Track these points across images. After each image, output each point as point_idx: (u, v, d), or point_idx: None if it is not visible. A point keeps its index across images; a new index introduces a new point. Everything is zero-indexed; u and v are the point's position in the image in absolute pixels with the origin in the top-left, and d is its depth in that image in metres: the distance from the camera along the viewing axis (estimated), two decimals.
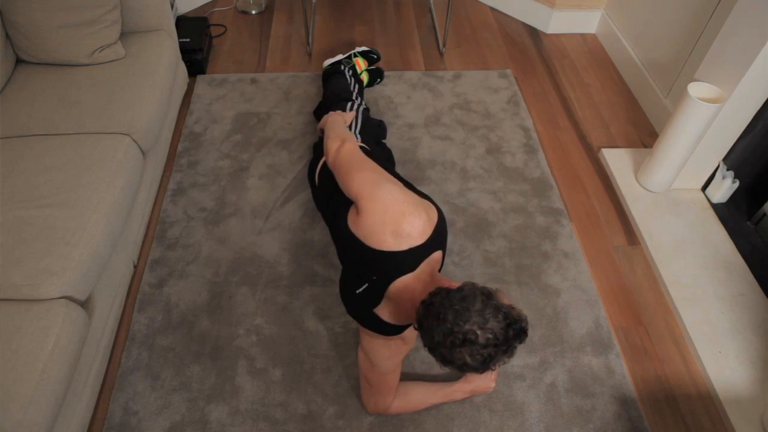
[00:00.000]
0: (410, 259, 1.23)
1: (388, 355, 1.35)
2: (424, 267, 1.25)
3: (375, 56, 2.50)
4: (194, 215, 1.99)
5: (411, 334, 1.37)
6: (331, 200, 1.51)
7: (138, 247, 1.85)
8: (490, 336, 1.01)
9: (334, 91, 2.16)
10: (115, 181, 1.59)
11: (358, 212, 1.28)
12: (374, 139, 1.90)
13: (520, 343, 1.05)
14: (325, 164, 1.62)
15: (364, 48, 2.48)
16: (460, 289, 1.08)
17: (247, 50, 2.75)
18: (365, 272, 1.27)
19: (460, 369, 1.05)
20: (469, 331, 1.01)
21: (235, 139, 2.28)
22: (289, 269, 1.84)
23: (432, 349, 1.07)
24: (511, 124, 2.39)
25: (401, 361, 1.42)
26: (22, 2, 1.79)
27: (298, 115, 2.39)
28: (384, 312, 1.28)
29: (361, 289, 1.28)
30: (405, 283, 1.23)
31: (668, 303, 1.80)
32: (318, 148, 1.77)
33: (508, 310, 1.05)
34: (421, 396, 1.50)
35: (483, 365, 1.03)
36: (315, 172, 1.68)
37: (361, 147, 1.65)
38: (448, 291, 1.08)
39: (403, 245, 1.22)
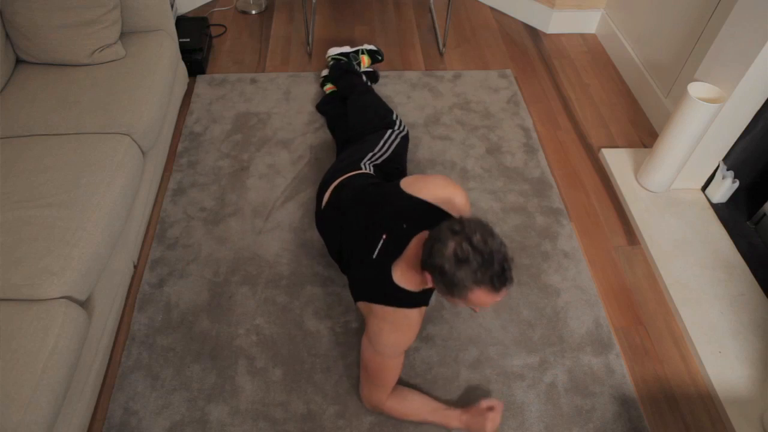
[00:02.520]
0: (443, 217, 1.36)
1: (393, 341, 1.36)
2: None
3: (380, 57, 2.50)
4: (194, 215, 1.99)
5: (418, 318, 1.38)
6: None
7: (138, 247, 1.85)
8: (488, 247, 1.16)
9: (375, 109, 2.08)
10: (115, 181, 1.59)
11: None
12: (388, 175, 1.82)
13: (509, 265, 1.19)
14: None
15: (372, 47, 2.50)
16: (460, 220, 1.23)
17: (247, 50, 2.75)
18: (390, 223, 1.38)
19: (469, 285, 1.16)
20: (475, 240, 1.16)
21: (235, 139, 2.28)
22: (289, 269, 1.84)
23: (441, 269, 1.17)
24: (511, 124, 2.39)
25: (402, 359, 1.42)
26: (22, 2, 1.79)
27: (298, 115, 2.39)
28: (399, 269, 1.34)
29: (378, 248, 1.37)
30: (424, 237, 1.33)
31: (668, 303, 1.80)
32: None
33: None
34: (417, 405, 1.46)
35: (488, 267, 1.15)
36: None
37: (365, 174, 1.68)
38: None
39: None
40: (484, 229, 1.19)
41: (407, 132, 2.00)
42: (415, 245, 1.36)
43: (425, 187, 1.45)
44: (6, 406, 1.12)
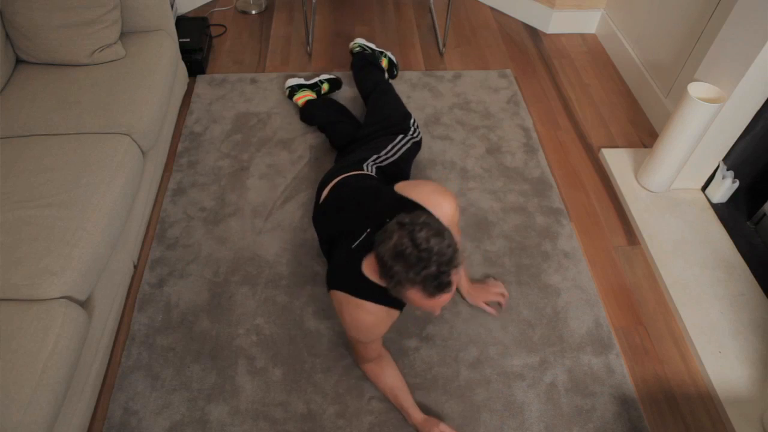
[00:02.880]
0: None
1: (355, 333, 1.39)
2: None
3: (396, 72, 2.53)
4: (194, 215, 1.99)
5: (383, 316, 1.38)
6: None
7: (138, 247, 1.85)
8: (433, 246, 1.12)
9: (392, 111, 2.06)
10: (115, 181, 1.59)
11: None
12: (390, 178, 1.80)
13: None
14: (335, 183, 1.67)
15: (393, 59, 2.51)
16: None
17: (247, 50, 2.75)
18: (376, 218, 1.38)
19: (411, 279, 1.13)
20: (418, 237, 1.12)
21: (235, 139, 2.28)
22: (289, 269, 1.84)
23: (381, 259, 1.16)
24: (511, 124, 2.39)
25: (374, 344, 1.45)
26: (22, 2, 1.79)
27: (297, 115, 2.39)
28: (369, 260, 1.32)
29: (358, 241, 1.36)
30: None
31: (668, 303, 1.80)
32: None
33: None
34: (387, 387, 1.52)
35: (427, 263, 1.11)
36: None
37: (365, 175, 1.68)
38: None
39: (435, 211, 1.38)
40: (433, 228, 1.13)
41: (421, 138, 2.01)
42: None
43: (414, 191, 1.44)
44: (6, 406, 1.12)
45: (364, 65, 2.36)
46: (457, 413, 1.53)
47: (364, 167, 1.72)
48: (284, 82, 2.48)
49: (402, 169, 1.87)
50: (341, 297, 1.36)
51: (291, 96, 2.39)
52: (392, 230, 1.15)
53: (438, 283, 1.12)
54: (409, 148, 1.91)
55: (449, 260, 1.12)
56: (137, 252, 1.85)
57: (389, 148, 1.85)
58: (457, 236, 1.55)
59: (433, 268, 1.10)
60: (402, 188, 1.46)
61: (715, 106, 1.75)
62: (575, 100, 2.53)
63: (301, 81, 2.41)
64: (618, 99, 2.54)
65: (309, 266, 1.85)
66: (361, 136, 1.99)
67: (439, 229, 1.14)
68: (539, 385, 1.59)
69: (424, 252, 1.10)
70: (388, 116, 2.05)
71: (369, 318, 1.35)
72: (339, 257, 1.43)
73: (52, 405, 1.20)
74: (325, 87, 2.41)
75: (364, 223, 1.41)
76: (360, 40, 2.50)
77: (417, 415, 1.48)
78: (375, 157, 1.79)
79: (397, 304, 1.38)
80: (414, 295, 1.15)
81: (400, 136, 1.91)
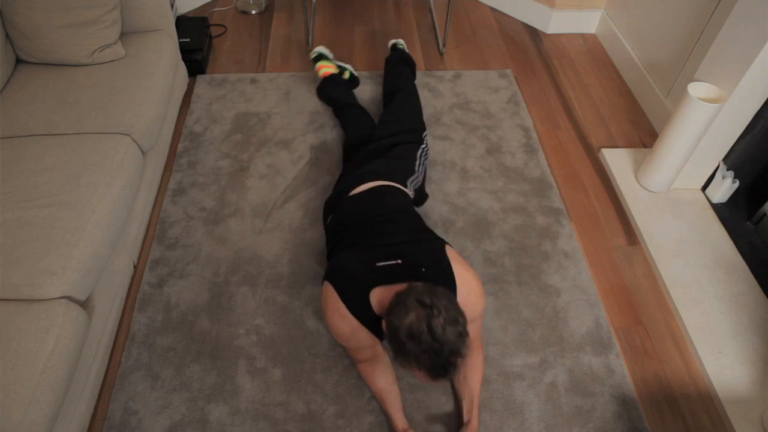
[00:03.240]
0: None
1: (333, 332, 1.39)
2: None
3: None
4: (194, 215, 1.99)
5: (363, 336, 1.37)
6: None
7: (138, 247, 1.85)
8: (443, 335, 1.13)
9: (415, 117, 2.07)
10: (115, 181, 1.59)
11: None
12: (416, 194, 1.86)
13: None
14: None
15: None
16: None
17: (247, 50, 2.75)
18: (413, 257, 1.36)
19: (412, 360, 1.14)
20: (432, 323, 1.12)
21: (235, 139, 2.28)
22: (289, 269, 1.84)
23: (394, 331, 1.15)
24: (511, 124, 2.39)
25: (363, 346, 1.44)
26: (22, 2, 1.79)
27: (298, 115, 2.39)
28: (377, 294, 1.31)
29: (384, 263, 1.34)
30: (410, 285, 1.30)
31: (668, 303, 1.80)
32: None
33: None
34: (380, 385, 1.51)
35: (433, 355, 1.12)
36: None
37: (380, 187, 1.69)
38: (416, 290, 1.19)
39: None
40: (450, 315, 1.14)
41: (429, 149, 2.05)
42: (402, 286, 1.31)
43: (459, 267, 1.38)
44: (6, 406, 1.12)
45: (400, 60, 2.37)
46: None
47: (408, 185, 1.75)
48: (284, 82, 2.48)
49: (423, 187, 1.94)
50: (333, 296, 1.35)
51: (315, 61, 2.40)
52: (412, 306, 1.14)
53: (444, 371, 1.14)
54: (426, 162, 1.96)
55: (458, 351, 1.14)
56: (137, 252, 1.85)
57: (417, 166, 1.87)
58: (477, 331, 1.51)
59: (441, 359, 1.12)
60: (451, 253, 1.41)
61: (715, 106, 1.75)
62: (575, 100, 2.54)
63: (330, 56, 2.43)
64: (618, 99, 2.54)
65: (309, 266, 1.85)
66: (379, 135, 1.98)
67: (455, 317, 1.15)
68: (539, 385, 1.59)
69: (436, 343, 1.11)
70: (412, 122, 2.05)
71: (346, 329, 1.35)
72: (356, 262, 1.39)
73: (52, 405, 1.20)
74: (347, 75, 2.42)
75: (400, 251, 1.37)
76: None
77: (399, 423, 1.46)
78: (412, 178, 1.80)
79: (381, 335, 1.38)
80: (417, 373, 1.17)
81: (420, 149, 1.93)
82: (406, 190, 1.73)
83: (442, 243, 1.43)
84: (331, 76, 2.35)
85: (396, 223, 1.52)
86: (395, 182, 1.71)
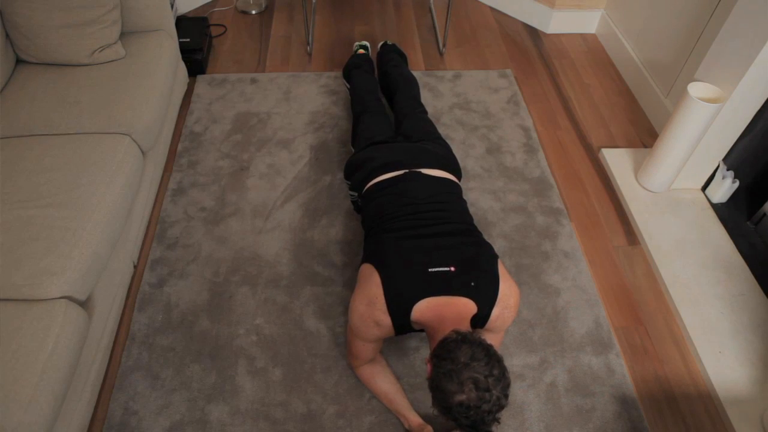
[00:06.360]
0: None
1: (355, 325, 1.37)
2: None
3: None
4: (194, 215, 1.99)
5: (385, 327, 1.35)
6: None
7: (138, 247, 1.85)
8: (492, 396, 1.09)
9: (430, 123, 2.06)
10: (115, 181, 1.59)
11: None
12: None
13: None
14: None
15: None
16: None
17: (247, 50, 2.75)
18: (467, 267, 1.33)
19: (451, 412, 1.10)
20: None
21: (235, 139, 2.28)
22: (289, 269, 1.84)
23: (442, 389, 1.10)
24: (511, 123, 2.39)
25: (372, 345, 1.44)
26: (22, 2, 1.79)
27: (298, 115, 2.39)
28: (424, 307, 1.28)
29: (438, 270, 1.32)
30: (463, 303, 1.30)
31: (668, 303, 1.80)
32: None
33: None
34: (384, 388, 1.51)
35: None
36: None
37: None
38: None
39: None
40: (502, 392, 1.10)
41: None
42: (452, 309, 1.29)
43: (506, 284, 1.36)
44: (6, 406, 1.12)
45: (390, 50, 2.43)
46: None
47: (460, 184, 1.76)
48: (284, 82, 2.49)
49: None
50: (376, 288, 1.31)
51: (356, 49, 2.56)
52: (467, 387, 1.08)
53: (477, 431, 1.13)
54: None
55: (498, 420, 1.13)
56: (137, 252, 1.85)
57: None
58: (499, 341, 1.50)
59: (483, 428, 1.12)
60: (501, 267, 1.39)
61: (715, 106, 1.75)
62: (575, 100, 2.54)
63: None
64: (618, 99, 2.54)
65: (309, 266, 1.85)
66: (414, 127, 1.95)
67: (506, 394, 1.12)
68: (539, 385, 1.59)
69: (487, 414, 1.09)
70: (430, 129, 2.00)
71: (372, 325, 1.33)
72: (408, 260, 1.34)
73: (52, 405, 1.20)
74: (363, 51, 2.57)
75: (454, 256, 1.35)
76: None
77: (413, 420, 1.46)
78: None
79: (401, 330, 1.36)
80: (452, 426, 1.17)
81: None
82: (460, 186, 1.69)
83: (496, 257, 1.40)
84: (364, 55, 2.47)
85: (447, 222, 1.47)
86: (453, 174, 1.67)
